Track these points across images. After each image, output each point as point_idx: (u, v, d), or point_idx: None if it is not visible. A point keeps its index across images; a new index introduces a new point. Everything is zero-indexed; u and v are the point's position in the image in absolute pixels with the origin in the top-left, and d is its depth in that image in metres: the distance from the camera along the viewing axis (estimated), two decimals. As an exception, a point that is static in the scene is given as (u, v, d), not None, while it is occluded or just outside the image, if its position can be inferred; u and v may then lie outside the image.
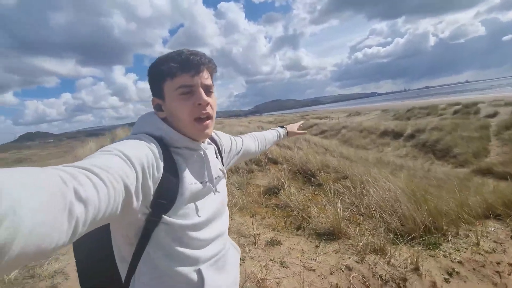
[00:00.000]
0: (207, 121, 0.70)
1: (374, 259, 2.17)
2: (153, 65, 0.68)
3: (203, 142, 0.76)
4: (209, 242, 0.71)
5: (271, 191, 4.07)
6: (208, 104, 0.69)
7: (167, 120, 0.70)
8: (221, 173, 0.82)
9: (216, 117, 0.76)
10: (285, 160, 5.85)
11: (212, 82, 0.72)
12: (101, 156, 0.50)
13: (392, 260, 2.11)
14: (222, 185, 0.82)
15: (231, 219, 3.27)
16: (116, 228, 0.64)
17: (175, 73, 0.65)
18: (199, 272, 0.67)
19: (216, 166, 0.79)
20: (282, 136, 1.36)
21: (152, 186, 0.57)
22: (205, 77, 0.69)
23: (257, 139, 1.17)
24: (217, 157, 0.84)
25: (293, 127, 1.45)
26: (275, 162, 5.99)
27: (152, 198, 0.59)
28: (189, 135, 0.69)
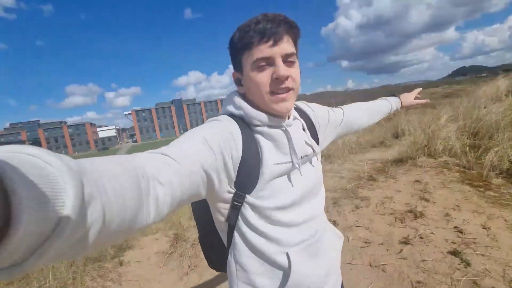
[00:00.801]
0: (285, 94, 0.63)
1: None
2: (232, 37, 0.65)
3: (288, 118, 0.69)
4: (296, 225, 0.67)
5: None
6: (287, 77, 0.61)
7: (246, 96, 0.68)
8: (311, 151, 0.72)
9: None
10: None
11: (296, 48, 0.64)
12: (182, 141, 0.53)
13: None
14: (314, 163, 0.74)
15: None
16: (211, 204, 0.68)
17: (252, 43, 0.60)
18: (287, 256, 0.65)
19: (303, 144, 0.71)
20: (394, 107, 1.13)
21: (232, 167, 0.59)
22: (286, 46, 0.61)
23: (362, 110, 1.02)
24: (306, 133, 0.74)
25: (409, 96, 1.18)
26: None
27: (235, 178, 0.60)
28: (267, 110, 0.65)
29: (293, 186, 0.66)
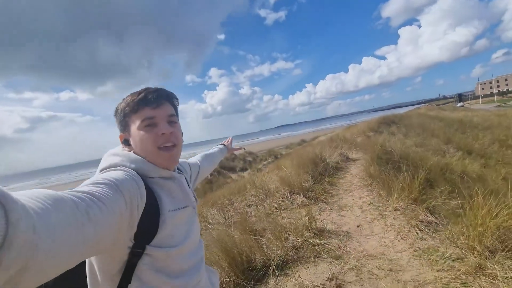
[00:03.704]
0: (173, 149, 0.72)
1: None
2: (118, 105, 0.73)
3: (173, 171, 0.76)
4: (192, 268, 0.73)
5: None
6: (171, 133, 0.71)
7: (136, 153, 0.72)
8: (194, 199, 0.82)
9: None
10: None
11: (176, 114, 0.76)
12: (97, 185, 0.51)
13: None
14: (195, 212, 0.82)
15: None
16: (96, 264, 0.62)
17: (138, 108, 0.70)
18: None
19: (189, 192, 0.80)
20: (224, 153, 1.40)
21: (137, 216, 0.58)
22: (167, 109, 0.73)
23: (209, 158, 1.21)
24: (189, 184, 0.86)
25: (229, 144, 1.48)
26: None
27: (136, 229, 0.59)
28: (158, 164, 0.71)
29: (188, 231, 0.73)
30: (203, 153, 1.24)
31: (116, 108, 0.74)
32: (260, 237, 2.50)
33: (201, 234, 3.42)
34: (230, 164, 18.12)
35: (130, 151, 0.73)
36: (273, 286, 1.88)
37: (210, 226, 3.63)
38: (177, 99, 0.78)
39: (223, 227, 3.18)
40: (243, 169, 17.94)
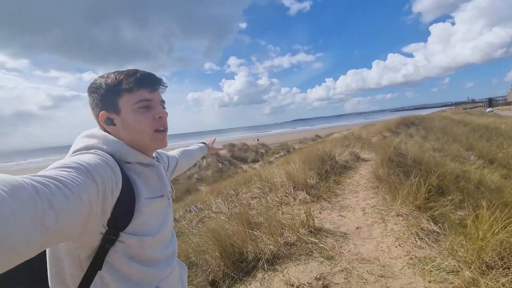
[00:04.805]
0: (165, 133, 0.73)
1: None
2: (100, 81, 0.67)
3: (152, 158, 0.74)
4: (165, 258, 0.72)
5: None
6: (166, 117, 0.73)
7: (118, 135, 0.68)
8: (171, 189, 0.82)
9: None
10: None
11: None
12: (65, 169, 0.48)
13: None
14: (171, 202, 0.81)
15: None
16: (63, 249, 0.59)
17: (133, 88, 0.66)
18: None
19: (167, 181, 0.79)
20: (204, 152, 1.42)
21: (111, 202, 0.56)
22: (160, 95, 0.73)
23: (187, 155, 1.23)
24: (166, 173, 0.85)
25: (210, 143, 1.49)
26: None
27: (109, 215, 0.57)
28: (148, 146, 0.70)
29: (164, 220, 0.73)
30: (182, 149, 1.24)
31: (96, 83, 0.68)
32: (257, 229, 2.53)
33: (203, 222, 3.62)
34: (242, 155, 18.29)
35: (111, 131, 0.68)
36: (260, 280, 1.90)
37: (213, 214, 3.72)
38: (165, 87, 0.74)
39: (225, 217, 3.24)
40: (255, 161, 18.05)
